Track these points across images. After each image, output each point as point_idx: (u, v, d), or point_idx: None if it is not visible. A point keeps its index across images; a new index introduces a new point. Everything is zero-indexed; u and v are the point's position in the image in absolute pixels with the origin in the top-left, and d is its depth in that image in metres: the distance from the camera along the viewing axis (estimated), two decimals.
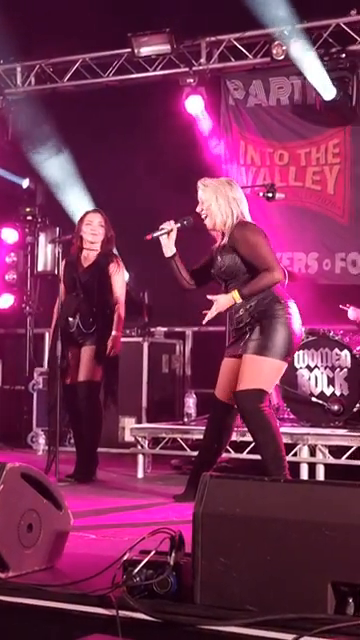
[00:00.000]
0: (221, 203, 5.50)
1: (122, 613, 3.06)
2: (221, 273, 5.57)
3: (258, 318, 5.39)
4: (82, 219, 7.03)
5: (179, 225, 5.68)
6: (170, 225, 5.68)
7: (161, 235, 5.67)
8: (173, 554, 3.18)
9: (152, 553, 3.22)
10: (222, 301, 5.44)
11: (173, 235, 5.68)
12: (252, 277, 5.43)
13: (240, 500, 3.10)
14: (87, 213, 7.08)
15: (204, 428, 5.99)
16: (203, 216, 5.59)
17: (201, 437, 6.78)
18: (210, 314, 5.46)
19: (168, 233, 5.66)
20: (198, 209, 5.59)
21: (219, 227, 5.55)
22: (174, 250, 5.71)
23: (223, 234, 5.57)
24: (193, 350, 9.47)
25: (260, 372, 5.37)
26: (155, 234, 5.67)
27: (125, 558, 3.24)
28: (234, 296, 5.40)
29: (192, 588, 3.12)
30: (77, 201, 9.16)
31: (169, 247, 5.69)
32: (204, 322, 5.53)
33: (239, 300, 5.39)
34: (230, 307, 5.46)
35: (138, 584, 3.14)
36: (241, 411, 5.48)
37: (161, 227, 5.68)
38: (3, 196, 9.89)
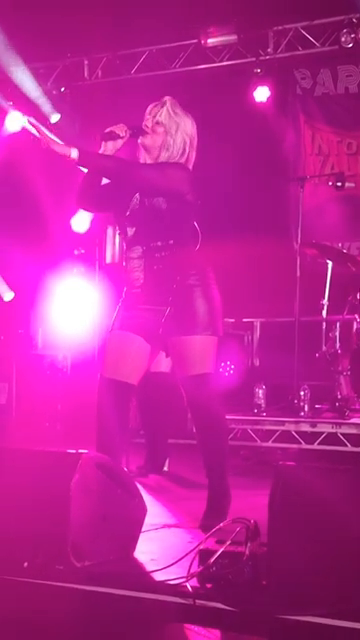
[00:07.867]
0: (178, 138, 4.82)
1: (199, 602, 3.07)
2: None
3: None
4: None
5: (130, 132, 4.85)
6: (124, 131, 4.83)
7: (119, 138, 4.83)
8: (249, 543, 3.18)
9: (228, 543, 3.22)
10: None
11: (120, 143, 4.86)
12: None
13: (317, 489, 3.09)
14: None
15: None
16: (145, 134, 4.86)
17: (272, 428, 6.78)
18: None
19: (122, 138, 4.82)
20: (148, 124, 4.89)
21: (158, 156, 4.81)
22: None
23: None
24: (261, 341, 9.41)
25: None
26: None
27: (201, 547, 3.25)
28: None
29: (268, 577, 3.11)
30: None
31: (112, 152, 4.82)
32: None
33: None
34: None
35: (214, 573, 3.15)
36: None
37: (113, 130, 4.80)
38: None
